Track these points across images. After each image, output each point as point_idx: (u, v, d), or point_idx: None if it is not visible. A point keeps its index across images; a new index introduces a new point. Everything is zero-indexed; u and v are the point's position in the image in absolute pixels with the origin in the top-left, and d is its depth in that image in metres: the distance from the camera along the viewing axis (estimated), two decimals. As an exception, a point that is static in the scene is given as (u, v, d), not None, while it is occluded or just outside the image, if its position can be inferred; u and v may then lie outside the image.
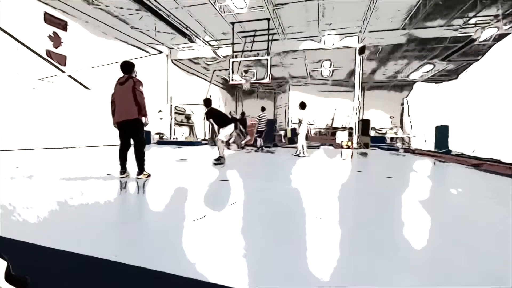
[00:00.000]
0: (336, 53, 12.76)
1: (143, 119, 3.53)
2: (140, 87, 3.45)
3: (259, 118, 9.76)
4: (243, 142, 10.49)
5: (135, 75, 3.60)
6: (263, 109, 10.09)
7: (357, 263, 1.32)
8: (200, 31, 11.39)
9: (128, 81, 3.46)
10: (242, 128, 10.35)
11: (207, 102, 5.41)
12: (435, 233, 1.80)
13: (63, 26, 8.63)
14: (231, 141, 10.96)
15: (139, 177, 3.52)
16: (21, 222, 1.83)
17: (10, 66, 7.20)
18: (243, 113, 11.00)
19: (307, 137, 7.93)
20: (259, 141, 9.79)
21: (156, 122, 13.15)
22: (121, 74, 3.56)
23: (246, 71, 10.93)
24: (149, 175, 3.60)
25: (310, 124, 16.34)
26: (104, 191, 2.89)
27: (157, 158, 6.38)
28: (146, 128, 3.68)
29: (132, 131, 3.52)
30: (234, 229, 1.78)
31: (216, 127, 5.40)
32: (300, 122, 7.51)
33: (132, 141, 3.60)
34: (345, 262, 1.33)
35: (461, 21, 9.60)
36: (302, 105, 7.53)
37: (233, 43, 10.90)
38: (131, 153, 3.56)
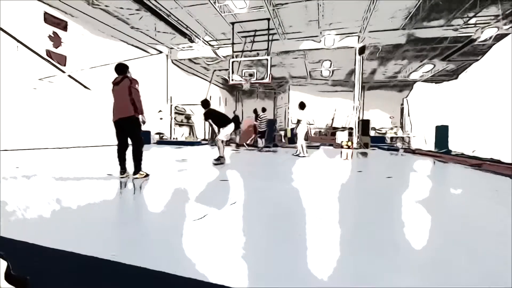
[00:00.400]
0: (336, 53, 12.76)
1: (140, 117, 3.51)
2: (136, 85, 3.46)
3: (260, 119, 9.83)
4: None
5: (130, 75, 3.62)
6: (263, 109, 10.17)
7: (357, 263, 1.33)
8: (200, 31, 11.39)
9: (124, 80, 3.48)
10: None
11: (205, 103, 5.41)
12: (435, 233, 1.80)
13: (63, 26, 8.63)
14: (237, 140, 11.03)
15: (136, 176, 3.48)
16: (21, 222, 1.83)
17: (10, 66, 7.20)
18: (255, 110, 11.02)
19: (306, 137, 7.92)
20: (261, 141, 9.84)
21: (156, 122, 13.14)
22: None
23: (251, 74, 10.92)
24: (146, 175, 3.56)
25: (310, 124, 16.37)
26: (104, 191, 2.89)
27: (157, 158, 6.38)
28: (146, 128, 3.69)
29: (129, 129, 3.49)
30: (234, 229, 1.78)
31: (215, 127, 5.41)
32: (299, 122, 7.51)
33: (129, 140, 3.58)
34: (345, 262, 1.33)
35: (461, 21, 9.60)
36: (302, 105, 7.53)
37: (233, 43, 10.90)
38: (130, 153, 3.55)
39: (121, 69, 3.59)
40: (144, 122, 3.59)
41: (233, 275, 1.17)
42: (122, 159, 3.56)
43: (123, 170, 3.54)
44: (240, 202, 2.43)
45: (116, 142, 3.58)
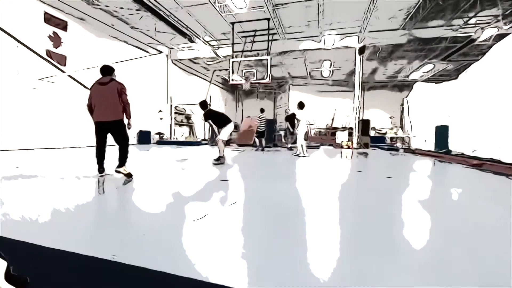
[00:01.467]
0: (336, 53, 12.76)
1: (127, 121, 3.63)
2: (126, 91, 3.58)
3: (259, 120, 9.93)
4: (289, 144, 10.65)
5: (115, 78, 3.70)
6: (262, 110, 10.28)
7: (357, 263, 1.33)
8: (200, 31, 11.38)
9: (112, 82, 3.53)
10: (290, 127, 10.26)
11: (203, 104, 5.43)
12: (435, 233, 1.80)
13: (63, 26, 8.63)
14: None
15: (119, 170, 3.51)
16: (21, 222, 1.83)
17: (10, 66, 7.20)
18: (286, 111, 10.93)
19: (306, 137, 7.94)
20: (261, 141, 9.90)
21: (156, 122, 13.14)
22: (121, 75, 3.60)
23: (247, 77, 10.94)
24: (130, 175, 3.55)
25: (310, 124, 16.36)
26: (104, 191, 2.89)
27: (157, 158, 6.38)
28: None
29: (117, 131, 3.57)
30: (234, 229, 1.78)
31: (215, 127, 5.43)
32: (298, 122, 7.52)
33: (116, 140, 3.64)
34: (345, 262, 1.33)
35: (461, 21, 9.59)
36: (301, 105, 7.54)
37: (233, 43, 10.90)
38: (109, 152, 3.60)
39: (108, 70, 3.65)
40: (130, 127, 3.67)
41: (233, 275, 1.17)
42: (102, 158, 3.60)
43: (101, 169, 3.58)
44: (240, 202, 2.43)
45: (96, 141, 3.62)
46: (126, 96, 3.56)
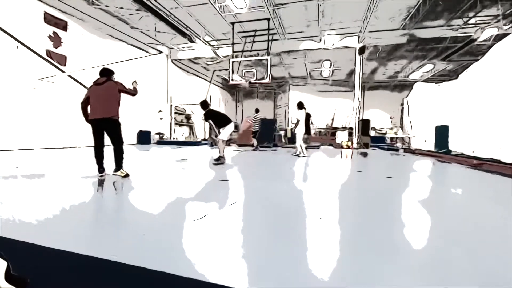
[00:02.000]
0: (336, 53, 12.76)
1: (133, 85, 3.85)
2: (125, 86, 3.70)
3: (254, 120, 9.98)
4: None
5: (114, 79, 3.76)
6: (257, 110, 10.32)
7: (357, 263, 1.32)
8: (200, 31, 11.38)
9: (108, 82, 3.60)
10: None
11: (204, 104, 5.44)
12: (435, 233, 1.80)
13: (63, 26, 8.63)
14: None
15: (117, 173, 3.56)
16: (21, 222, 1.83)
17: (10, 66, 7.20)
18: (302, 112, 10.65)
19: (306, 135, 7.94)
20: (254, 141, 9.96)
21: (156, 122, 13.13)
22: (122, 76, 3.62)
23: (247, 78, 10.93)
24: (127, 175, 3.57)
25: (311, 124, 16.35)
26: (104, 190, 2.89)
27: (157, 158, 6.38)
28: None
29: (112, 129, 3.60)
30: (234, 229, 1.78)
31: (216, 127, 5.43)
32: (298, 122, 7.53)
33: (111, 140, 3.67)
34: (345, 262, 1.33)
35: (461, 21, 9.59)
36: (300, 105, 7.54)
37: (233, 43, 10.89)
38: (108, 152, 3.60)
39: (107, 73, 3.72)
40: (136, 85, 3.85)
41: (233, 275, 1.17)
42: (101, 158, 3.60)
43: (101, 169, 3.58)
44: (240, 202, 2.43)
45: (94, 141, 3.63)
46: (127, 88, 3.69)
